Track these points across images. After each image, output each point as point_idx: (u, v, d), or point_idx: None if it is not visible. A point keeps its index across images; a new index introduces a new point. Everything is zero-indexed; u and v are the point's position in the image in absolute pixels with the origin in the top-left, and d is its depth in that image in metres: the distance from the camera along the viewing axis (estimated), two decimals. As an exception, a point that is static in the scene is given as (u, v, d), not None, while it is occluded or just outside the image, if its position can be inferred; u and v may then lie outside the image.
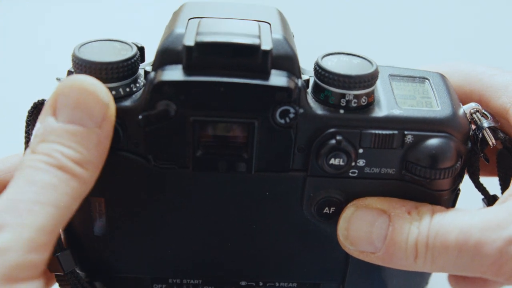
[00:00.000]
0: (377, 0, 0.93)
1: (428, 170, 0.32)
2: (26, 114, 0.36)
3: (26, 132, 0.36)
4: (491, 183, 0.38)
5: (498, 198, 0.37)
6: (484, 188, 0.37)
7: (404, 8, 0.92)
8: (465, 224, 0.31)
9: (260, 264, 0.37)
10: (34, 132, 0.30)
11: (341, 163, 0.32)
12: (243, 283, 0.38)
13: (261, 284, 0.38)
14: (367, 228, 0.33)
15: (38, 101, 0.36)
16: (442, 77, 0.36)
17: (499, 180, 0.37)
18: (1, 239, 0.26)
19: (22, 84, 0.75)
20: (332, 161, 0.32)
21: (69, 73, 0.34)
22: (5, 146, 0.46)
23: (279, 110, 0.31)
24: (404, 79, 0.35)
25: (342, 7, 0.91)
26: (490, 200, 0.37)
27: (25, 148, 0.36)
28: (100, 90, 0.30)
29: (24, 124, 0.36)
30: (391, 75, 0.35)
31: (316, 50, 0.36)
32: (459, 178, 0.35)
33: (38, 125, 0.30)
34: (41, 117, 0.30)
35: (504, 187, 0.37)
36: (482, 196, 0.37)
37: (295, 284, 0.38)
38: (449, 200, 0.34)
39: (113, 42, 0.33)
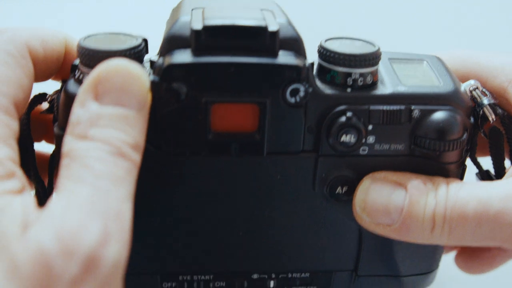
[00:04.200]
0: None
1: (437, 143, 0.33)
2: (27, 106, 0.35)
3: (26, 125, 0.35)
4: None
5: (491, 173, 0.38)
6: (479, 163, 0.38)
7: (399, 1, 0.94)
8: (484, 195, 0.32)
9: (273, 253, 0.37)
10: (73, 118, 0.28)
11: (352, 140, 0.33)
12: (255, 276, 0.37)
13: (273, 276, 0.38)
14: (384, 200, 0.33)
15: (39, 94, 0.35)
16: (438, 58, 0.37)
17: (491, 156, 0.38)
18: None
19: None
20: (344, 138, 0.33)
21: (73, 66, 0.33)
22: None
23: (289, 89, 0.31)
24: (403, 61, 0.36)
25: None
26: (483, 174, 0.38)
27: (24, 142, 0.35)
28: (143, 74, 0.29)
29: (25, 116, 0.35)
30: (390, 59, 0.36)
31: (312, 42, 0.36)
32: (466, 152, 0.35)
33: (77, 110, 0.28)
34: (79, 102, 0.28)
35: (496, 163, 0.38)
36: (476, 171, 0.38)
37: (307, 275, 0.38)
38: (458, 173, 0.35)
39: (117, 34, 0.33)
